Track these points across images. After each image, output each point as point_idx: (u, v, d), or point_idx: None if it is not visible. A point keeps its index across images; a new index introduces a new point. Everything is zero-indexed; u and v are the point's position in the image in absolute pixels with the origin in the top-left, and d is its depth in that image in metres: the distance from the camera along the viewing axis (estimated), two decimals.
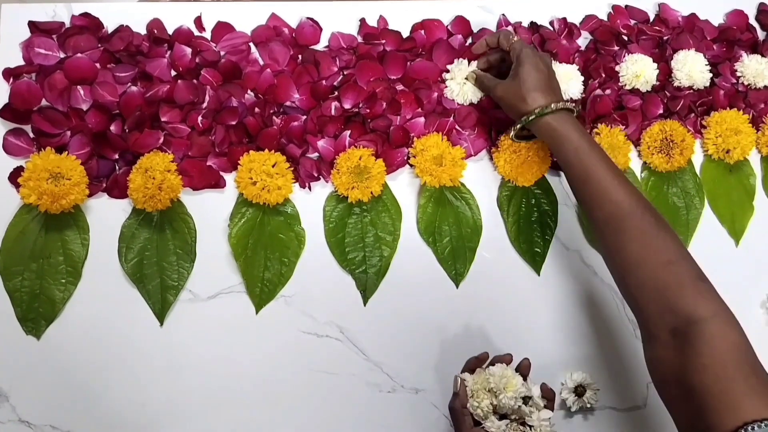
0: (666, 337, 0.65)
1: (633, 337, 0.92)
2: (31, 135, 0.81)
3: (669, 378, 0.64)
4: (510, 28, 0.97)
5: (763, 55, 1.04)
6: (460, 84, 0.91)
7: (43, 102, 0.81)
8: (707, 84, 1.01)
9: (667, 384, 0.65)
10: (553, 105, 0.78)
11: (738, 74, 1.03)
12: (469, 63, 0.92)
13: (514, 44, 0.85)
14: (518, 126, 0.82)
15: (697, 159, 1.01)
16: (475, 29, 0.97)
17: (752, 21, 1.08)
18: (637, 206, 0.71)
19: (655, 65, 0.98)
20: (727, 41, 1.04)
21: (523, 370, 0.77)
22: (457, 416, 0.73)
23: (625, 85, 0.98)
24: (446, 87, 0.92)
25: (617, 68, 0.98)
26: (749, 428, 0.55)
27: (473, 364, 0.78)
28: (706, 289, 0.66)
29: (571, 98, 0.92)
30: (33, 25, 0.83)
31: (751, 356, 0.62)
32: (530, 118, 0.79)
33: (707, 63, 1.01)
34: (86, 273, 0.79)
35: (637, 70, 0.97)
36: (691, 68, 0.99)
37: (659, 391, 0.67)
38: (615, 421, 0.90)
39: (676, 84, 1.00)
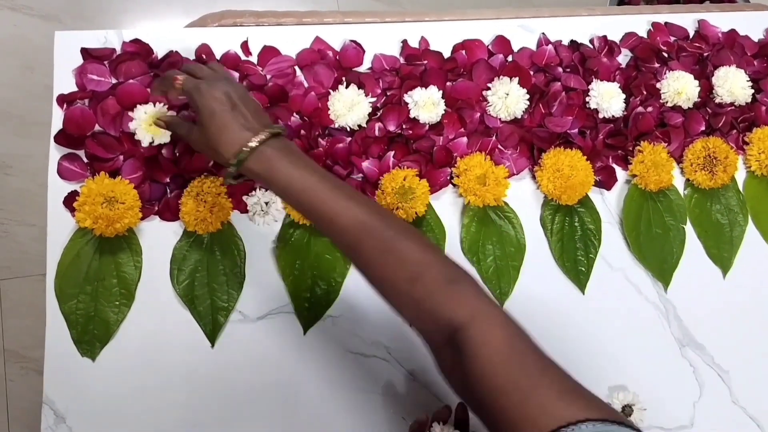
0: (444, 350, 0.58)
1: (679, 356, 0.92)
2: (85, 160, 0.82)
3: (461, 391, 0.59)
4: (550, 47, 0.97)
5: None
6: (502, 98, 0.91)
7: (96, 127, 0.83)
8: (749, 100, 1.01)
9: (464, 396, 0.59)
10: (244, 149, 0.63)
11: None
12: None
13: (184, 87, 0.69)
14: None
15: (740, 175, 1.00)
16: (515, 48, 0.97)
17: None
18: (368, 225, 0.62)
19: (696, 82, 0.98)
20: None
21: (443, 416, 0.77)
22: None
23: (667, 102, 0.98)
24: (488, 104, 0.92)
25: (658, 85, 0.98)
26: None
27: (417, 429, 0.77)
28: (458, 291, 0.59)
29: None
30: (85, 52, 0.85)
31: (522, 350, 0.56)
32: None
33: (748, 79, 1.01)
34: (139, 295, 0.81)
35: (679, 87, 0.97)
36: (733, 84, 0.99)
37: (465, 404, 0.59)
38: None
39: (717, 100, 1.00)
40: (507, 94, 0.92)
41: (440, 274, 0.60)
